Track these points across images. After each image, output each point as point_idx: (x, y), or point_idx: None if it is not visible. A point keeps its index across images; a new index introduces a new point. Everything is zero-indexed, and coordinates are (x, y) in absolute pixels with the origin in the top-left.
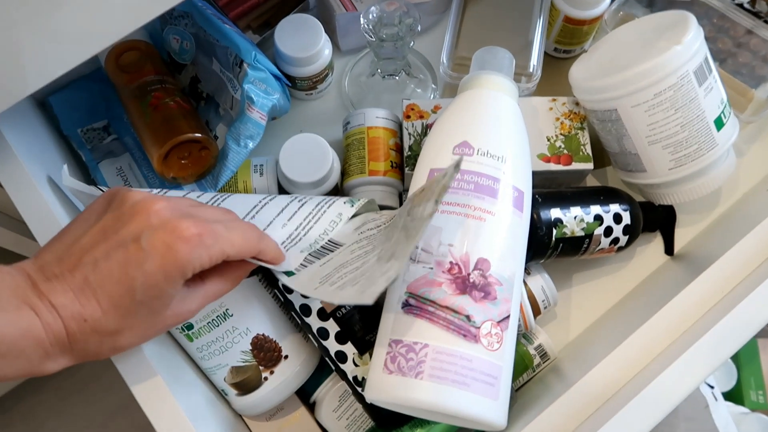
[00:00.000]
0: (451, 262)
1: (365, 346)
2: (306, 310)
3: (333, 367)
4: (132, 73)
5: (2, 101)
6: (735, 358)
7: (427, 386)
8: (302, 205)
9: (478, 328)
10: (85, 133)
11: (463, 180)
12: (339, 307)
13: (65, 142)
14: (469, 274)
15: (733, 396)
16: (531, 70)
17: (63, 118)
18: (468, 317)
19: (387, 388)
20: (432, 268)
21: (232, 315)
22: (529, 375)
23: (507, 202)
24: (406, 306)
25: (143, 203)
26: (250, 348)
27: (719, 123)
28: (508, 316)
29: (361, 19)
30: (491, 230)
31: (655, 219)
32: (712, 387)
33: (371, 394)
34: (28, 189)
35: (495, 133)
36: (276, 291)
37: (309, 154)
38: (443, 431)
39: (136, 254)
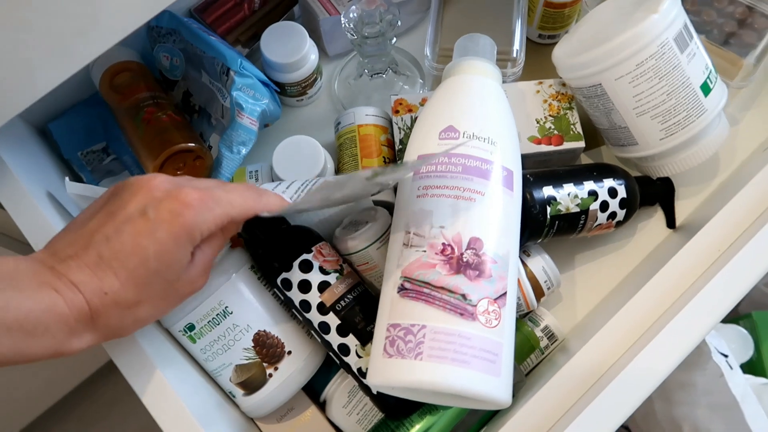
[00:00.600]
0: (443, 244)
1: (367, 337)
2: (306, 305)
3: (337, 361)
4: (125, 93)
5: None
6: (753, 329)
7: (427, 366)
8: (295, 180)
9: (475, 306)
10: (85, 156)
11: (450, 163)
12: (338, 300)
13: (67, 166)
14: (462, 254)
15: (753, 368)
16: (515, 55)
17: (63, 143)
18: (464, 296)
19: (388, 371)
20: (425, 251)
21: (231, 312)
22: (538, 357)
23: (496, 182)
24: (402, 290)
25: (142, 180)
26: (252, 345)
27: (706, 88)
28: (505, 293)
29: (342, 19)
30: (482, 210)
31: (654, 192)
32: (726, 356)
33: (373, 380)
34: (29, 207)
35: (480, 116)
36: (275, 290)
37: (301, 155)
38: (452, 417)
39: (144, 225)
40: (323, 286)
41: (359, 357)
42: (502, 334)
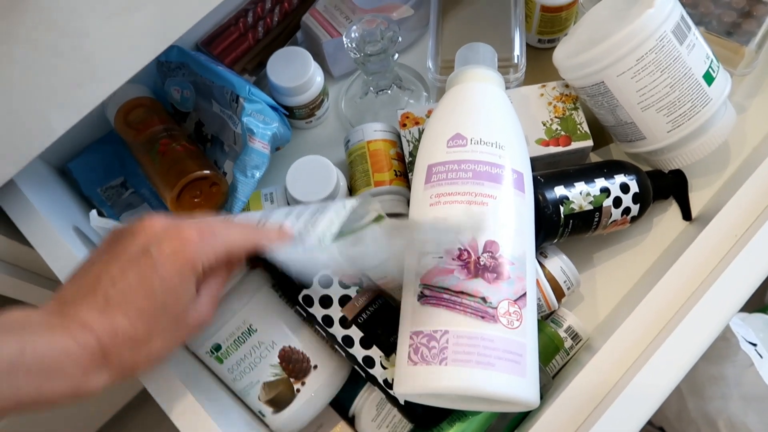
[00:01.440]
0: (459, 249)
1: (391, 348)
2: (328, 320)
3: (363, 375)
4: (140, 128)
5: (16, 161)
6: None
7: (452, 371)
8: (307, 207)
9: (495, 308)
10: (105, 192)
11: (461, 170)
12: (360, 313)
13: (87, 202)
14: (479, 258)
15: None
16: (516, 60)
17: (82, 181)
18: (483, 299)
19: (413, 379)
20: (442, 257)
21: (256, 330)
22: (564, 358)
23: (507, 185)
24: (421, 297)
25: (143, 222)
26: (279, 361)
27: (708, 78)
28: (524, 294)
29: (344, 39)
30: (495, 213)
31: (667, 185)
32: (754, 345)
33: (399, 389)
34: (56, 244)
35: (485, 121)
36: (298, 308)
37: (314, 174)
38: (481, 423)
39: (148, 263)
40: (344, 300)
41: (384, 368)
42: (525, 335)
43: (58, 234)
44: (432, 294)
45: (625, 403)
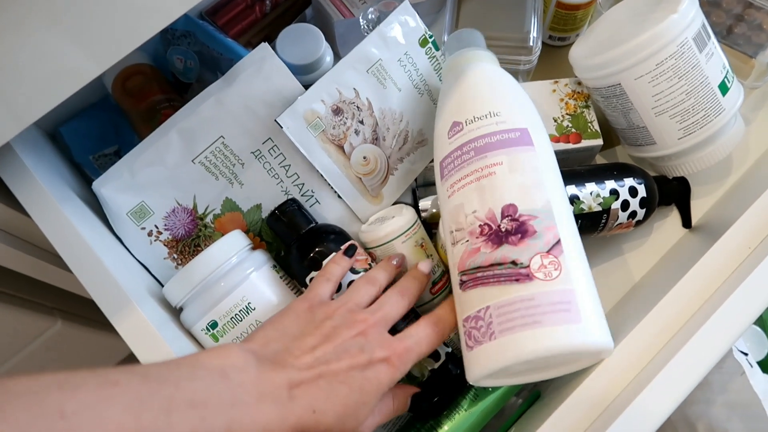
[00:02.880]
0: (480, 225)
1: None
2: None
3: None
4: (139, 97)
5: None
6: (763, 328)
7: (501, 343)
8: None
9: (528, 266)
10: (97, 159)
11: (464, 153)
12: None
13: (78, 169)
14: (499, 226)
15: (763, 367)
16: (531, 43)
17: (74, 147)
18: (513, 262)
19: (474, 363)
20: (467, 240)
21: (254, 309)
22: None
23: (510, 145)
24: (461, 285)
25: (356, 316)
26: None
27: (723, 88)
28: (558, 241)
29: (361, 20)
30: (504, 178)
31: (670, 192)
32: (746, 354)
33: (469, 377)
34: (52, 210)
35: (473, 99)
36: (304, 288)
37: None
38: (478, 418)
39: (362, 382)
40: None
41: None
42: (569, 281)
43: (57, 203)
44: (468, 278)
45: (629, 419)
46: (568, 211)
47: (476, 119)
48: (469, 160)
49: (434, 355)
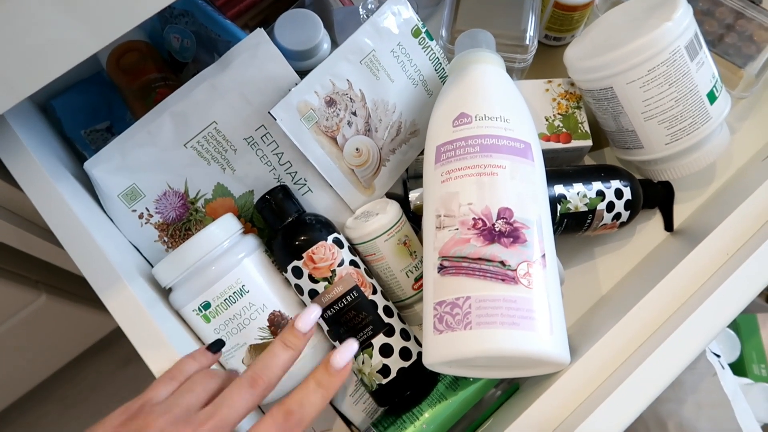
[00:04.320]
0: (474, 219)
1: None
2: (315, 294)
3: None
4: (134, 74)
5: (8, 98)
6: (737, 332)
7: (477, 334)
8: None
9: (515, 270)
10: (89, 135)
11: (468, 146)
12: (326, 309)
13: (69, 144)
14: (494, 224)
15: (737, 369)
16: (527, 41)
17: (66, 121)
18: (502, 263)
19: (440, 347)
20: (457, 229)
21: (248, 291)
22: None
23: (515, 155)
24: (441, 269)
25: (176, 429)
26: (268, 324)
27: (712, 97)
28: (543, 255)
29: (360, 10)
30: (505, 181)
31: (654, 195)
32: (718, 356)
33: (427, 359)
34: (45, 186)
35: (488, 98)
36: (286, 276)
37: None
38: (458, 407)
39: None
40: (313, 294)
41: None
42: (548, 294)
43: (51, 179)
44: (451, 264)
45: (599, 417)
46: (551, 229)
47: (486, 118)
48: (473, 154)
49: (406, 354)
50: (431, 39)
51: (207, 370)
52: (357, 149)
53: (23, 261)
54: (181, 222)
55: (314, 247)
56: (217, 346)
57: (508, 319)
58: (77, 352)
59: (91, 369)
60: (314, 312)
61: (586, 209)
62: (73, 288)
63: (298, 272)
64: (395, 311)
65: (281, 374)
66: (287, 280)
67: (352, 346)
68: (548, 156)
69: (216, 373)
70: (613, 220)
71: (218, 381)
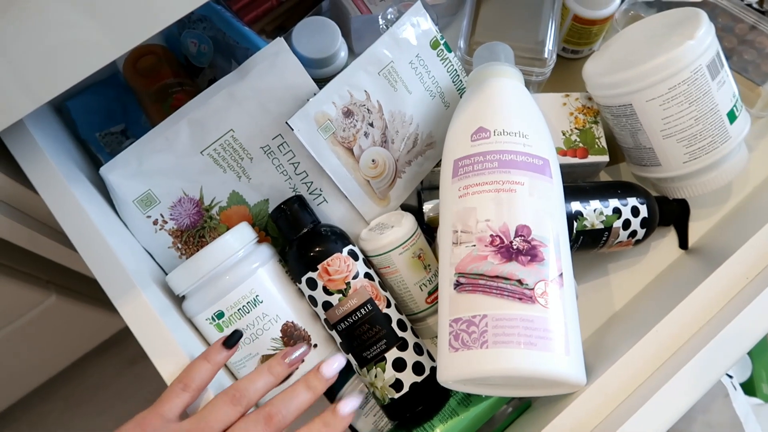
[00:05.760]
0: (491, 235)
1: (364, 362)
2: (329, 306)
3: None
4: (150, 77)
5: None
6: (749, 351)
7: (494, 353)
8: None
9: (532, 289)
10: (103, 137)
11: (486, 161)
12: (339, 322)
13: (83, 146)
14: (511, 242)
15: (746, 388)
16: (546, 55)
17: (80, 123)
18: (519, 281)
19: (456, 365)
20: (474, 245)
21: (262, 301)
22: None
23: (534, 171)
24: (457, 286)
25: None
26: (281, 335)
27: (732, 116)
28: (561, 274)
29: (380, 20)
30: (524, 198)
31: (670, 213)
32: (731, 377)
33: (442, 376)
34: (61, 190)
35: (507, 114)
36: (299, 286)
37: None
38: (471, 423)
39: None
40: (327, 306)
41: (359, 375)
42: (565, 314)
43: (67, 183)
44: (468, 281)
45: None
46: (568, 248)
47: (505, 133)
48: (491, 169)
49: (419, 369)
50: (450, 51)
51: (232, 393)
52: (373, 160)
53: (34, 261)
54: (195, 229)
55: (329, 258)
56: (234, 338)
57: (525, 339)
58: (83, 351)
59: (96, 368)
60: (340, 361)
61: (603, 227)
62: (83, 288)
63: (312, 284)
64: (409, 325)
65: (297, 415)
66: (301, 291)
67: (339, 360)
68: (564, 171)
69: (238, 398)
70: (629, 237)
71: (238, 409)
